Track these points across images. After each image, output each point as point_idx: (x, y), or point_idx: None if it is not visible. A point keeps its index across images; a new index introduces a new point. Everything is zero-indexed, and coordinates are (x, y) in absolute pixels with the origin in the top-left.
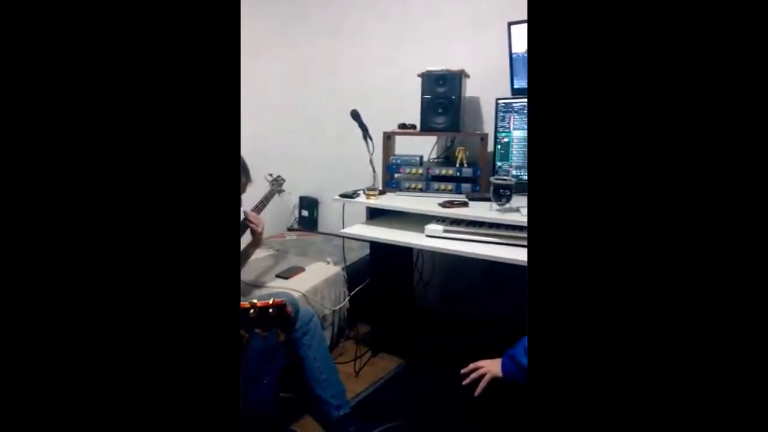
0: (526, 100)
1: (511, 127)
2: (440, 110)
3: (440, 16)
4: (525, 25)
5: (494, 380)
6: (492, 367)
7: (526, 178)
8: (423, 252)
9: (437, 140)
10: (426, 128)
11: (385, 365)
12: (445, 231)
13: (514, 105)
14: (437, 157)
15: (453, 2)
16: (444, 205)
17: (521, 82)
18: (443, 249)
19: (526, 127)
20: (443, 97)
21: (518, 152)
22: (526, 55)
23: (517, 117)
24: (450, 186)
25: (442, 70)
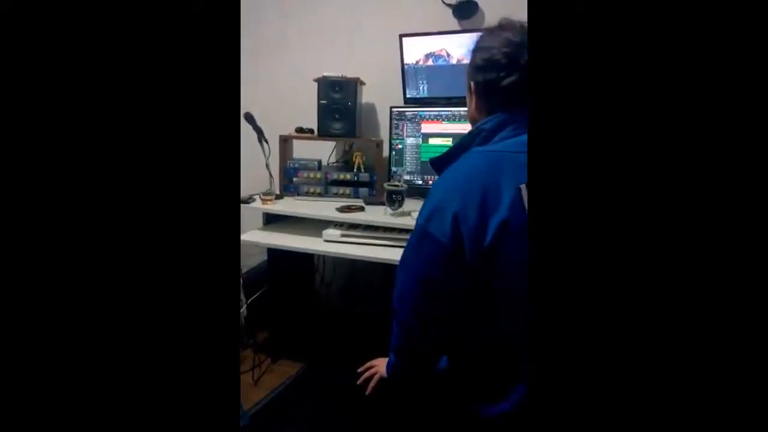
0: (417, 108)
1: (404, 135)
2: (337, 116)
3: (339, 24)
4: (414, 38)
5: (384, 379)
6: (383, 366)
7: (418, 182)
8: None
9: (336, 145)
10: (323, 133)
11: (285, 371)
12: (343, 235)
13: (406, 113)
14: (336, 162)
15: (350, 12)
16: (341, 209)
17: (413, 92)
18: (341, 254)
19: (417, 134)
20: (339, 103)
21: (411, 158)
22: (416, 66)
23: (409, 125)
24: (348, 190)
25: (338, 77)
